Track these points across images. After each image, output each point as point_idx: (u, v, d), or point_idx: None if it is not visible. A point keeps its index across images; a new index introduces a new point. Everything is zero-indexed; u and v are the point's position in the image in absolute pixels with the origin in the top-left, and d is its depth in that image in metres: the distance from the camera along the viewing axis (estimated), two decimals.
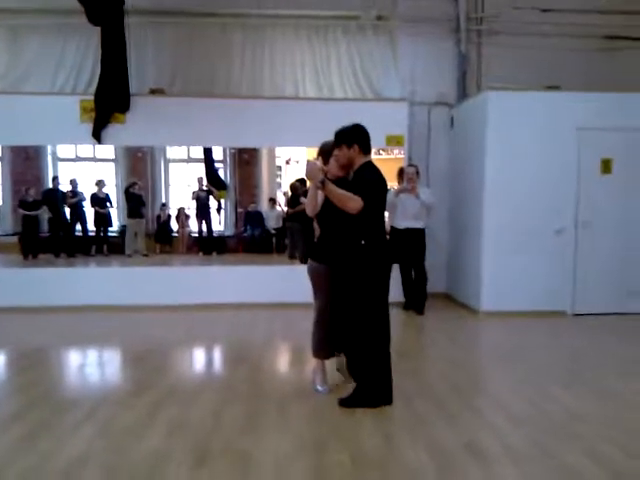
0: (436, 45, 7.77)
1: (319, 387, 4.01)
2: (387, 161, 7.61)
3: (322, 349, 3.98)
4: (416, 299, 6.88)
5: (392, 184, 7.88)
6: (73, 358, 5.39)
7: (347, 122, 3.76)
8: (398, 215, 6.74)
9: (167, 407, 3.73)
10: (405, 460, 3.00)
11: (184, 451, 3.08)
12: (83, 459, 2.98)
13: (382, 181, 3.73)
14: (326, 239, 3.88)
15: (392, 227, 6.78)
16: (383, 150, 7.92)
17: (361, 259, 3.62)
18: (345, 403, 3.74)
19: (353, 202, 3.51)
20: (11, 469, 2.87)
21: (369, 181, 3.63)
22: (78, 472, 2.85)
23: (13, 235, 9.39)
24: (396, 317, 6.62)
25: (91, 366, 4.93)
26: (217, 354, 5.41)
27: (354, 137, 3.70)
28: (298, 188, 8.45)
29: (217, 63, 7.44)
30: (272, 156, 10.63)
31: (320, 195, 3.71)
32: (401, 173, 7.06)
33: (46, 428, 3.40)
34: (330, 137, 3.81)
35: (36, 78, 7.05)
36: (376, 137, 7.10)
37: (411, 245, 6.73)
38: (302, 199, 8.08)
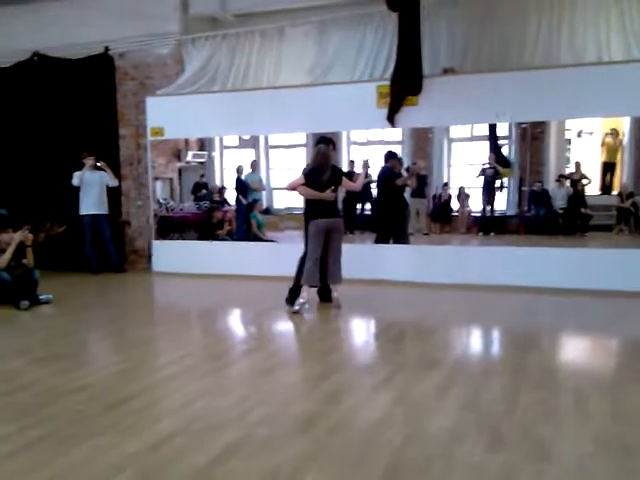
0: None
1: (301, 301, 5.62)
2: None
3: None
4: None
5: None
6: (369, 328, 5.88)
7: None
8: None
9: (458, 385, 3.78)
10: None
11: (477, 432, 3.08)
12: (383, 423, 3.18)
13: None
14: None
15: None
16: None
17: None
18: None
19: None
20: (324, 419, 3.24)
21: None
22: (379, 434, 3.04)
23: None
24: None
25: (381, 338, 5.31)
26: (501, 336, 5.32)
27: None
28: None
29: (510, 33, 7.07)
30: (561, 129, 9.89)
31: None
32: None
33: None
34: None
35: (338, 68, 7.65)
36: None
37: None
38: None
